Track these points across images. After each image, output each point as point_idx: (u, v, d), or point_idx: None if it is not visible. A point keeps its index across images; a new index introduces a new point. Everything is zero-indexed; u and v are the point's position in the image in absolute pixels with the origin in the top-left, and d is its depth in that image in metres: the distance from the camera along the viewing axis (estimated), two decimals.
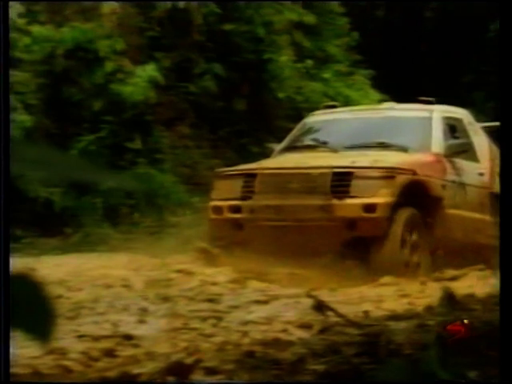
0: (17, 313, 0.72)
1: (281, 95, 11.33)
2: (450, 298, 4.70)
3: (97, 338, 4.42)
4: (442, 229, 7.67)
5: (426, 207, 7.59)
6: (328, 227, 7.20)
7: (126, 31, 10.72)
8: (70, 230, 9.14)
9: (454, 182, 8.01)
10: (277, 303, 5.76)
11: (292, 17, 11.93)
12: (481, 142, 8.64)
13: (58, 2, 10.58)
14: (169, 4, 10.99)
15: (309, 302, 5.14)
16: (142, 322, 4.98)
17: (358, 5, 13.44)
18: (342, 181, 7.32)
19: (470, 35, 13.43)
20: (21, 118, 9.20)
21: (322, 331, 4.23)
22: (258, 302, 5.77)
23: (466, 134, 8.42)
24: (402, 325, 4.22)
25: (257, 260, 6.99)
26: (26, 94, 9.52)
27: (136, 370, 3.60)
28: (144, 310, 5.26)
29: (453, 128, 8.35)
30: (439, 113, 8.33)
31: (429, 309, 4.81)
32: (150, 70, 10.39)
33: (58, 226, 9.07)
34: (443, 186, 7.85)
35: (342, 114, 8.69)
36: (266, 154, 8.60)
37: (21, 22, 9.79)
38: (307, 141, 8.38)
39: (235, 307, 5.56)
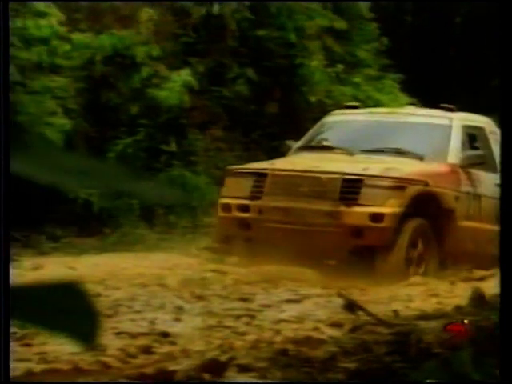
0: (63, 320, 0.72)
1: (312, 99, 11.30)
2: (479, 298, 4.66)
3: (134, 336, 4.44)
4: (452, 240, 7.43)
5: (437, 219, 7.37)
6: (335, 233, 7.02)
7: (162, 38, 10.76)
8: (107, 230, 9.19)
9: (468, 193, 7.76)
10: (308, 302, 5.75)
11: (323, 22, 11.90)
12: None
13: (90, 9, 10.64)
14: (203, 11, 11.01)
15: (340, 301, 5.12)
16: (177, 320, 4.99)
17: (388, 10, 13.37)
18: (351, 188, 7.14)
19: (498, 39, 13.25)
20: (60, 122, 9.26)
21: (353, 330, 4.22)
22: (289, 301, 5.76)
23: (486, 144, 8.14)
24: (432, 324, 4.19)
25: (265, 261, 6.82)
26: (65, 99, 9.58)
27: (172, 367, 3.60)
28: (179, 309, 5.27)
29: (472, 137, 8.09)
30: (459, 121, 8.07)
31: (458, 308, 4.77)
32: (184, 75, 10.42)
33: (96, 226, 9.12)
34: (456, 198, 7.62)
35: (361, 115, 8.42)
36: (283, 151, 8.38)
37: (62, 29, 9.86)
38: (324, 141, 8.16)
39: (267, 306, 5.56)
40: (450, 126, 7.96)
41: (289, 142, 8.47)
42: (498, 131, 8.43)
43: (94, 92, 10.20)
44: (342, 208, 7.09)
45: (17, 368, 3.78)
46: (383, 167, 7.33)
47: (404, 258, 7.10)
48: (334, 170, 7.32)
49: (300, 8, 11.72)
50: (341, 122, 8.34)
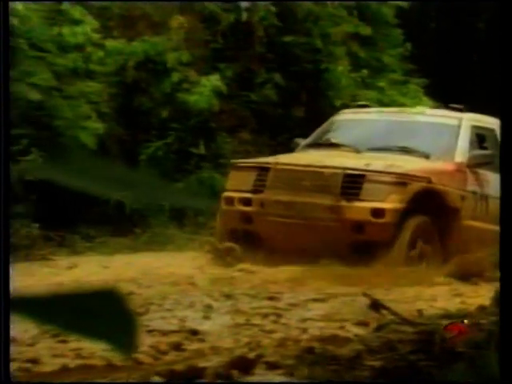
0: (102, 326, 0.73)
1: (337, 103, 11.26)
2: None
3: (165, 333, 4.45)
4: (456, 240, 7.17)
5: (441, 217, 7.10)
6: (335, 228, 6.84)
7: (192, 44, 10.79)
8: (139, 231, 9.22)
9: (475, 193, 7.51)
10: (334, 301, 5.73)
11: (348, 28, 11.88)
12: None
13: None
14: (232, 18, 11.03)
15: (365, 300, 5.10)
16: (206, 318, 4.99)
17: (412, 17, 13.30)
18: (353, 183, 6.94)
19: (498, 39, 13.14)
20: (94, 126, 9.31)
21: (378, 329, 4.19)
22: (315, 300, 5.74)
23: (495, 145, 7.83)
24: None
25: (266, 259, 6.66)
26: (99, 104, 9.63)
27: (202, 364, 3.61)
28: (208, 307, 5.27)
29: (481, 138, 7.86)
30: (468, 121, 7.85)
31: (481, 308, 4.73)
32: (214, 80, 10.44)
33: (128, 226, 9.16)
34: (462, 197, 7.37)
35: (371, 114, 8.21)
36: (292, 148, 8.19)
37: (96, 36, 9.92)
38: (332, 139, 7.97)
39: (294, 305, 5.54)
40: (458, 126, 7.75)
41: (298, 140, 8.32)
42: None
43: (126, 97, 10.25)
44: (343, 203, 6.91)
45: (53, 363, 3.80)
46: (386, 163, 7.13)
47: (404, 254, 6.89)
48: (336, 164, 7.11)
49: (326, 14, 11.70)
50: (350, 120, 8.16)
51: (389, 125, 7.89)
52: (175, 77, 10.34)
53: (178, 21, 10.59)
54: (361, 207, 6.86)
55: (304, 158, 7.50)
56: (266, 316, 5.09)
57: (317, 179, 7.04)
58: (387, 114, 8.19)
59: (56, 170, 0.76)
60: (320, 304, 5.62)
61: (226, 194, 7.44)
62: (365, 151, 7.55)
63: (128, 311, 0.73)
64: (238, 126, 11.02)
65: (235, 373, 3.42)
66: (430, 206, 7.04)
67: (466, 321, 3.49)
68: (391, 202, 6.87)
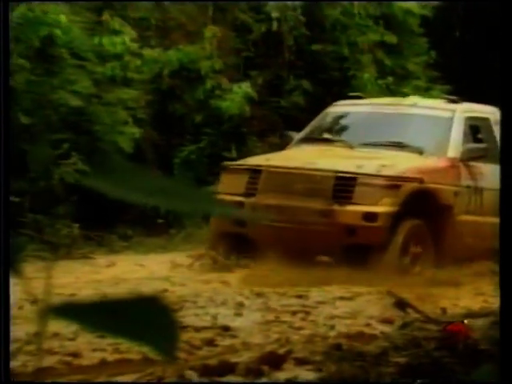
0: (147, 332, 0.73)
1: None
2: None
3: (198, 329, 4.45)
4: (450, 236, 6.84)
5: (434, 216, 6.77)
6: (328, 232, 6.49)
7: (225, 52, 10.81)
8: (174, 231, 9.25)
9: (469, 187, 7.14)
10: (360, 299, 5.69)
11: (374, 37, 11.84)
12: None
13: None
14: (263, 27, 11.04)
15: (390, 299, 5.06)
16: (238, 314, 4.99)
17: (436, 26, 13.21)
18: (345, 186, 6.58)
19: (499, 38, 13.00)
20: (131, 131, 9.36)
21: (403, 326, 4.16)
22: (342, 298, 5.71)
23: (490, 135, 7.44)
24: (479, 322, 4.11)
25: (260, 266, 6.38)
26: (136, 110, 9.69)
27: (233, 359, 3.60)
28: (240, 305, 5.27)
29: (476, 129, 7.41)
30: (462, 113, 7.40)
31: None
32: (245, 87, 10.46)
33: (163, 227, 9.19)
34: (455, 193, 7.01)
35: (363, 106, 7.77)
36: (286, 142, 7.82)
37: (133, 46, 9.99)
38: (325, 133, 7.57)
39: (322, 303, 5.52)
40: (451, 119, 7.33)
41: (291, 133, 7.92)
42: None
43: (161, 103, 10.30)
44: (335, 207, 6.55)
45: (92, 357, 3.82)
46: (378, 164, 6.75)
47: (398, 257, 6.58)
48: (328, 167, 6.72)
49: (353, 24, 11.68)
50: (343, 113, 7.77)
51: (382, 118, 7.49)
52: (208, 84, 10.37)
53: (211, 30, 10.62)
54: (353, 211, 6.53)
55: (296, 157, 7.09)
56: (294, 313, 5.08)
57: (309, 182, 6.70)
58: (380, 107, 7.75)
59: (97, 180, 0.76)
60: (347, 302, 5.58)
61: (219, 197, 7.35)
62: (358, 147, 7.20)
63: (171, 318, 0.73)
64: (267, 131, 11.01)
65: (265, 368, 3.41)
66: (422, 206, 6.72)
67: (466, 321, 3.44)
68: (384, 206, 6.53)
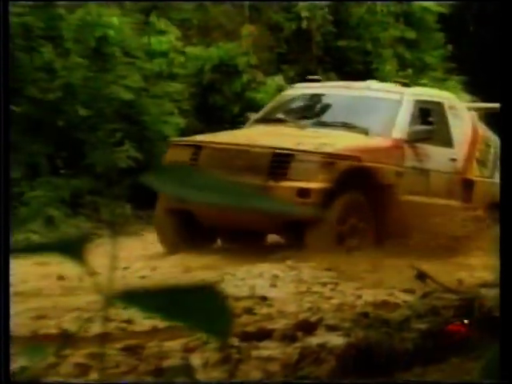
0: (203, 319, 0.72)
1: None
2: None
3: (238, 299, 4.45)
4: (393, 215, 6.37)
5: (374, 194, 6.30)
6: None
7: (260, 49, 10.78)
8: None
9: (414, 168, 6.65)
10: (383, 271, 5.65)
11: (395, 33, 11.72)
12: (461, 126, 7.09)
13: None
14: (294, 26, 10.99)
15: (411, 270, 5.02)
16: (273, 286, 4.99)
17: (452, 21, 13.01)
18: (281, 163, 6.13)
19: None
20: (176, 121, 9.40)
21: (424, 296, 4.12)
22: (366, 270, 5.66)
23: (442, 119, 6.98)
24: (492, 292, 4.06)
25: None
26: (180, 102, 9.72)
27: (270, 326, 3.60)
28: (275, 276, 5.26)
29: (426, 112, 6.89)
30: (411, 96, 6.90)
31: None
32: (278, 80, 10.43)
33: None
34: (398, 173, 6.52)
35: (319, 89, 7.28)
36: (243, 123, 7.37)
37: (178, 44, 10.01)
38: (279, 114, 7.05)
39: (349, 275, 5.49)
40: (400, 101, 6.84)
41: (250, 114, 7.46)
42: (460, 106, 7.28)
43: (203, 95, 10.31)
44: (271, 183, 6.07)
45: (144, 324, 3.83)
46: (318, 142, 6.25)
47: (334, 232, 6.11)
48: (267, 144, 6.26)
49: (375, 21, 11.58)
50: (299, 95, 7.31)
51: (336, 100, 7.02)
52: (245, 78, 10.36)
53: (247, 29, 10.59)
54: (287, 187, 6.05)
55: (241, 136, 6.61)
56: (325, 285, 5.06)
57: (247, 159, 6.20)
58: (336, 89, 7.29)
59: (151, 176, 0.75)
60: (371, 274, 5.55)
61: None
62: (309, 127, 6.72)
63: (225, 305, 0.72)
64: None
65: (299, 334, 3.40)
66: (360, 184, 6.25)
67: (466, 321, 3.39)
68: (318, 182, 6.07)
